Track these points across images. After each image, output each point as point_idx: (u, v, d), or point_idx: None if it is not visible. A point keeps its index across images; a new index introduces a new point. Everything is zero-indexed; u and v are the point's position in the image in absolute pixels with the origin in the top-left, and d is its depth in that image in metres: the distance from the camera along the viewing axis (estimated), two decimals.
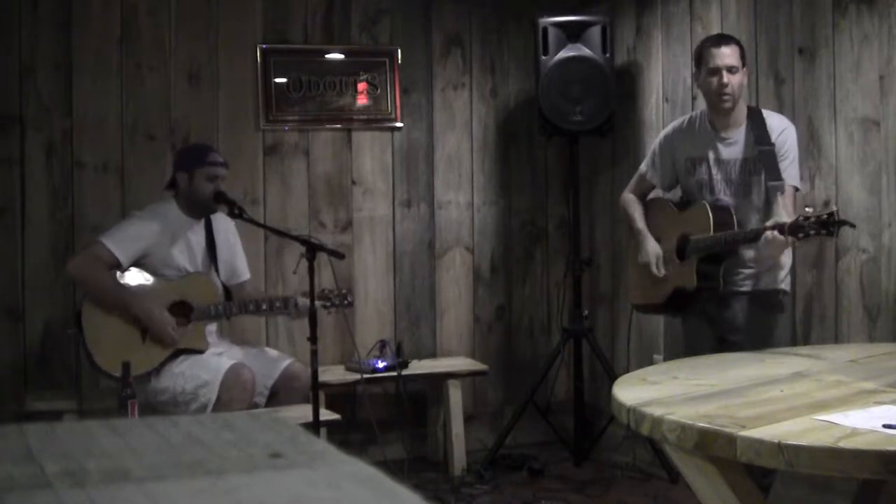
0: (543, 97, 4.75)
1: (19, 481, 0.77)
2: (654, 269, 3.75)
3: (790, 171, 3.53)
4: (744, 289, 3.64)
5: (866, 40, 3.72)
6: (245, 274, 4.34)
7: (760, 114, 3.65)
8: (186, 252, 4.07)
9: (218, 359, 3.96)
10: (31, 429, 0.94)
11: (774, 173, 3.45)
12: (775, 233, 3.15)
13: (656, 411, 2.23)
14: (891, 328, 3.66)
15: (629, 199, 3.99)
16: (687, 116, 3.89)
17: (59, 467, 0.81)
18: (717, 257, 3.59)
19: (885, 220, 3.67)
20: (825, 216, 3.02)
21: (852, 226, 3.16)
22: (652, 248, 3.79)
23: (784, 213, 3.28)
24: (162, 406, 3.90)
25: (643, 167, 3.97)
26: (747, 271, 3.63)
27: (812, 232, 3.04)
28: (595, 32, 4.79)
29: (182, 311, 4.01)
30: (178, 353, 3.96)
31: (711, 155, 3.65)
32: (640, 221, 3.90)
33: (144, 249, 3.97)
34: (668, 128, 3.95)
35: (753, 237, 3.32)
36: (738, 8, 4.30)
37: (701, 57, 3.66)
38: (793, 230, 3.09)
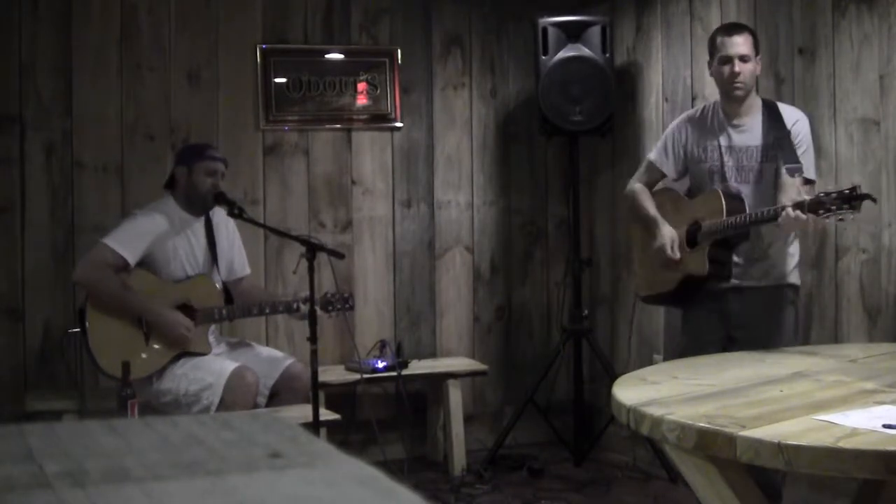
0: (543, 97, 4.75)
1: (19, 481, 0.77)
2: (668, 252, 3.65)
3: (803, 161, 3.49)
4: (750, 283, 3.59)
5: (866, 40, 3.72)
6: (244, 269, 4.34)
7: (775, 105, 3.62)
8: (189, 248, 4.08)
9: (221, 361, 3.96)
10: (31, 429, 0.94)
11: (792, 157, 3.45)
12: (797, 211, 3.14)
13: (656, 411, 2.23)
14: (891, 328, 3.66)
15: (637, 188, 3.91)
16: (700, 106, 3.83)
17: (59, 467, 0.81)
18: (729, 244, 3.55)
19: (885, 220, 3.67)
20: (847, 191, 3.04)
21: (874, 200, 3.14)
22: (668, 231, 3.70)
23: (798, 194, 3.27)
24: (164, 408, 3.90)
25: (653, 156, 3.88)
26: (754, 264, 3.59)
27: (834, 207, 3.04)
28: (595, 32, 4.79)
29: (186, 313, 4.01)
30: (181, 355, 3.97)
31: (724, 142, 3.62)
32: (651, 209, 3.82)
33: (150, 246, 3.98)
34: (680, 117, 3.90)
35: (772, 217, 3.28)
36: (737, 8, 4.30)
37: (714, 45, 3.63)
38: (813, 207, 3.09)
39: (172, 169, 4.15)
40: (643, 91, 4.99)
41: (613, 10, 5.08)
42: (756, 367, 2.85)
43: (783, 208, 3.20)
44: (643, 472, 4.72)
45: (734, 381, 2.61)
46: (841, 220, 3.18)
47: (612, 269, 5.25)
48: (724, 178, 3.61)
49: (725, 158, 3.61)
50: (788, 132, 3.52)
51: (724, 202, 3.51)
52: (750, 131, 3.58)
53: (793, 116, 3.56)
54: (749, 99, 3.60)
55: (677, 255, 3.66)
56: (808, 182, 3.52)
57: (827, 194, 3.07)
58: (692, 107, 4.54)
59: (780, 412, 2.18)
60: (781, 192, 3.43)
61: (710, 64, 3.69)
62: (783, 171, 3.46)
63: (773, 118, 3.55)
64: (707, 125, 3.69)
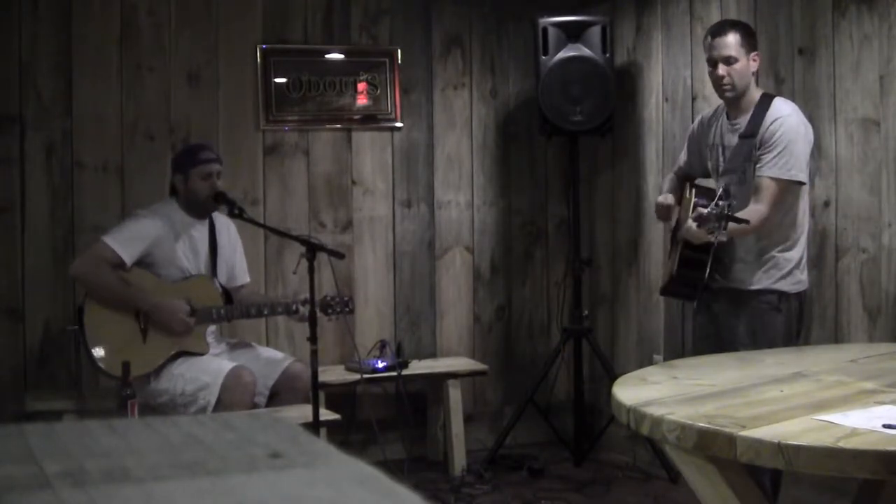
0: (543, 97, 4.75)
1: (19, 481, 0.77)
2: (661, 199, 3.79)
3: (774, 161, 3.41)
4: (733, 285, 3.57)
5: (866, 40, 3.72)
6: (244, 277, 4.34)
7: (770, 101, 3.54)
8: (190, 251, 4.08)
9: (219, 361, 3.96)
10: (31, 429, 0.94)
11: (742, 159, 3.46)
12: (694, 224, 3.18)
13: (656, 411, 2.23)
14: (891, 328, 3.66)
15: (667, 177, 4.03)
16: (716, 106, 3.80)
17: (59, 467, 0.81)
18: (701, 245, 3.45)
19: (885, 220, 3.67)
20: (724, 205, 3.03)
21: (746, 222, 3.14)
22: (663, 196, 3.83)
23: (755, 199, 3.28)
24: (161, 408, 3.90)
25: (681, 154, 3.98)
26: (737, 266, 3.57)
27: (715, 228, 3.04)
28: (595, 32, 4.79)
29: None
30: (178, 354, 3.96)
31: (723, 141, 3.63)
32: (664, 188, 3.94)
33: (148, 247, 3.98)
34: (699, 116, 3.96)
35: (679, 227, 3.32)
36: (738, 8, 4.30)
37: (704, 47, 3.64)
38: (701, 220, 3.11)
39: (171, 177, 4.16)
40: (643, 91, 4.99)
41: (613, 10, 5.08)
42: (756, 367, 2.85)
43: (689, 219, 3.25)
44: (643, 472, 4.72)
45: (734, 381, 2.61)
46: (724, 238, 3.13)
47: (612, 269, 5.25)
48: (720, 177, 3.63)
49: (721, 158, 3.64)
50: (753, 137, 3.46)
51: (693, 200, 3.52)
52: (740, 130, 3.56)
53: (775, 114, 3.47)
54: (748, 96, 3.56)
55: (669, 200, 3.75)
56: (797, 183, 3.48)
57: (712, 209, 3.06)
58: (692, 107, 4.56)
59: (780, 412, 2.18)
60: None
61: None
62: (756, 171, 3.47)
63: (758, 117, 3.49)
64: (713, 125, 3.71)
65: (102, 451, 0.87)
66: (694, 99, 4.58)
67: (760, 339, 3.47)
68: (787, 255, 3.54)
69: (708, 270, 3.50)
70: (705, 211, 3.11)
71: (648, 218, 4.80)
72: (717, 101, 3.77)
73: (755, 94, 3.59)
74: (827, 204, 3.87)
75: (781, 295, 3.53)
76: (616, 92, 4.84)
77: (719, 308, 3.64)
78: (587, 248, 5.22)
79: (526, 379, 5.08)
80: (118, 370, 3.51)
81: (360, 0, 5.02)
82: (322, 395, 3.99)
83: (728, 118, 3.64)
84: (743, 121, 3.57)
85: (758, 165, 3.45)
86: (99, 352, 3.88)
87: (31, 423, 0.98)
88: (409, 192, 5.14)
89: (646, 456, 4.72)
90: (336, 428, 4.18)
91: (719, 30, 3.59)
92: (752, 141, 3.46)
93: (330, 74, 4.98)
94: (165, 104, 4.68)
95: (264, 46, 4.85)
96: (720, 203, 3.06)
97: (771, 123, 3.45)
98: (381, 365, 4.66)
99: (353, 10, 5.02)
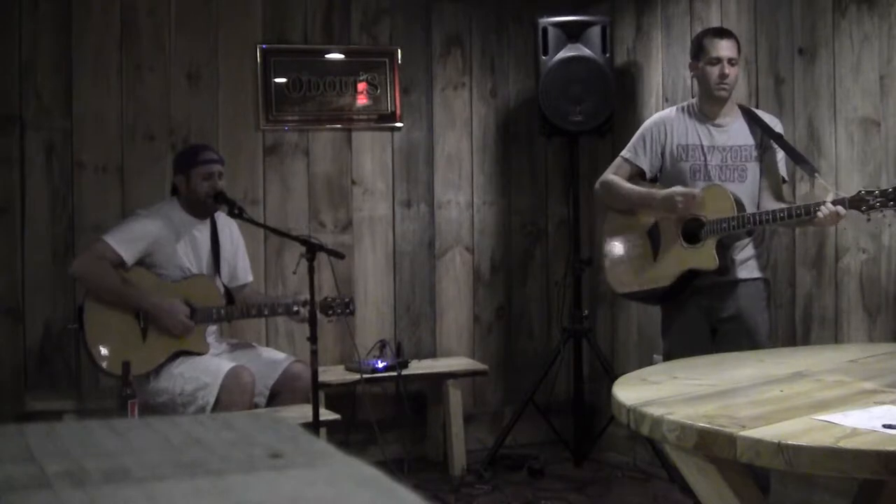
0: (543, 97, 4.75)
1: (19, 481, 0.77)
2: (683, 197, 3.61)
3: (782, 164, 3.70)
4: (739, 277, 3.69)
5: (866, 40, 3.72)
6: (247, 277, 4.34)
7: (753, 110, 3.79)
8: (191, 251, 4.08)
9: (218, 361, 3.96)
10: (31, 429, 0.94)
11: (801, 157, 3.64)
12: (838, 206, 3.25)
13: (656, 411, 2.23)
14: (891, 328, 3.66)
15: (613, 178, 3.91)
16: (675, 107, 3.90)
17: (59, 467, 0.81)
18: (728, 240, 3.65)
19: (885, 220, 3.67)
20: (891, 189, 3.16)
21: None
22: (668, 190, 3.68)
23: (821, 192, 3.44)
24: (160, 408, 3.90)
25: (627, 153, 3.90)
26: (744, 259, 3.70)
27: (878, 204, 3.17)
28: (595, 32, 4.79)
29: None
30: (178, 354, 3.96)
31: (705, 141, 3.72)
32: (637, 186, 3.83)
33: (148, 247, 3.98)
34: (657, 115, 3.97)
35: (804, 213, 3.36)
36: (738, 8, 4.30)
37: (701, 47, 3.73)
38: (854, 203, 3.23)
39: (173, 177, 4.16)
40: (643, 91, 4.99)
41: (613, 10, 5.08)
42: (756, 367, 2.85)
43: (820, 204, 3.30)
44: (643, 472, 4.72)
45: (734, 381, 2.61)
46: (882, 216, 3.37)
47: None
48: (707, 177, 3.69)
49: (708, 157, 3.70)
50: (780, 135, 3.66)
51: (733, 200, 3.56)
52: (733, 131, 3.71)
53: (773, 121, 3.73)
54: (729, 101, 3.74)
55: (696, 193, 3.62)
56: (784, 182, 3.74)
57: (869, 192, 3.21)
58: None
59: (781, 412, 2.18)
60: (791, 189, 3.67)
61: (692, 65, 3.79)
62: (801, 170, 3.67)
63: (757, 121, 3.69)
64: (686, 124, 3.78)
65: (102, 451, 0.87)
66: (694, 98, 4.58)
67: (761, 326, 3.67)
68: (762, 247, 3.78)
69: (731, 264, 3.68)
70: (847, 195, 3.27)
71: None
72: None
73: (733, 100, 3.78)
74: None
75: (767, 283, 3.78)
76: (616, 92, 4.84)
77: (718, 302, 3.70)
78: (587, 248, 5.22)
79: (526, 379, 5.08)
80: (118, 369, 3.51)
81: (360, 0, 5.03)
82: (322, 395, 3.99)
83: (707, 119, 3.74)
84: (729, 122, 3.72)
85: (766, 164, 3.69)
86: (99, 351, 3.89)
87: (31, 423, 0.98)
88: (409, 192, 5.14)
89: (646, 456, 4.72)
90: (336, 428, 4.18)
91: (723, 33, 3.78)
92: (784, 141, 3.67)
93: (330, 74, 4.98)
94: (165, 104, 4.68)
95: (264, 46, 4.85)
96: (880, 187, 3.27)
97: (774, 127, 3.70)
98: (381, 365, 4.66)
99: (353, 10, 5.02)
